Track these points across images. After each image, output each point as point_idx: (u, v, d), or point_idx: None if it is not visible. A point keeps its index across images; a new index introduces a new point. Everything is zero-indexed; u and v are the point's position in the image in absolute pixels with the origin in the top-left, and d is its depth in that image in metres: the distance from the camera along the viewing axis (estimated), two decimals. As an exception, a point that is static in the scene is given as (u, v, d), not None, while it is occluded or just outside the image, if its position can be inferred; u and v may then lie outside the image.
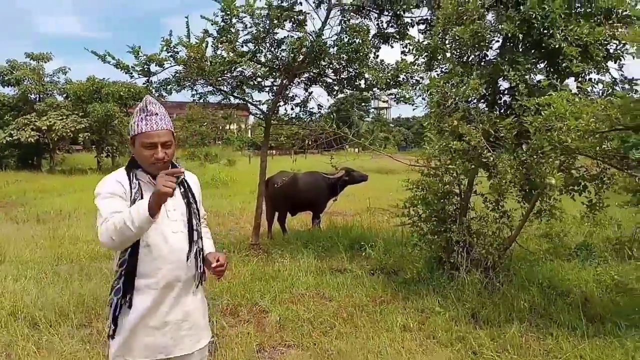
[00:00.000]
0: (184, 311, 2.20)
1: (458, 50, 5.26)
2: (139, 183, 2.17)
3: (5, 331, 4.12)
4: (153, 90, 6.82)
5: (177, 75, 6.74)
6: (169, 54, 6.54)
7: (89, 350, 3.83)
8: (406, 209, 5.26)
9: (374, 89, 6.82)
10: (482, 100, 5.40)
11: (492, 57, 5.53)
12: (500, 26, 4.85)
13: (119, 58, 6.47)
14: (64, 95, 26.55)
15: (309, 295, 5.08)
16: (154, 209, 1.92)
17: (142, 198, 2.09)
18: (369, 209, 8.29)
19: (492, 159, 4.32)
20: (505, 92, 5.46)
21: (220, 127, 47.31)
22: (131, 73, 6.57)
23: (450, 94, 4.51)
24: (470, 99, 4.98)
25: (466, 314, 4.49)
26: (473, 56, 5.39)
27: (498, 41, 5.32)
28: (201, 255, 2.25)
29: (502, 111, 5.44)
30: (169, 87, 6.82)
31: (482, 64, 5.32)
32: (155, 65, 6.63)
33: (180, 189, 2.24)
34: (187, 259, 2.18)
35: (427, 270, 5.22)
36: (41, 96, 26.04)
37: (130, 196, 2.11)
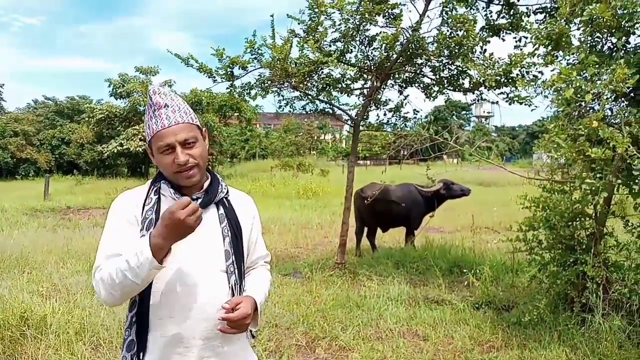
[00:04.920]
0: None
1: (592, 36, 4.20)
2: (158, 198, 1.60)
3: (69, 353, 3.82)
4: (236, 95, 6.46)
5: (260, 78, 6.31)
6: (253, 56, 6.16)
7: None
8: (522, 232, 4.25)
9: (480, 89, 5.84)
10: (622, 98, 4.30)
11: (636, 44, 4.43)
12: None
13: (203, 62, 6.19)
14: (170, 107, 28.10)
15: (399, 332, 4.28)
16: (161, 249, 1.39)
17: (155, 217, 1.54)
18: (472, 228, 7.22)
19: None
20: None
21: (315, 137, 47.81)
22: (214, 77, 6.25)
23: (586, 89, 3.49)
24: (606, 96, 3.92)
25: (605, 373, 3.45)
26: (610, 43, 4.32)
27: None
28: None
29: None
30: (252, 91, 6.42)
31: (623, 52, 4.22)
32: (239, 69, 6.26)
33: (220, 213, 1.65)
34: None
35: (550, 310, 4.16)
36: (149, 108, 27.84)
37: (141, 214, 1.57)
